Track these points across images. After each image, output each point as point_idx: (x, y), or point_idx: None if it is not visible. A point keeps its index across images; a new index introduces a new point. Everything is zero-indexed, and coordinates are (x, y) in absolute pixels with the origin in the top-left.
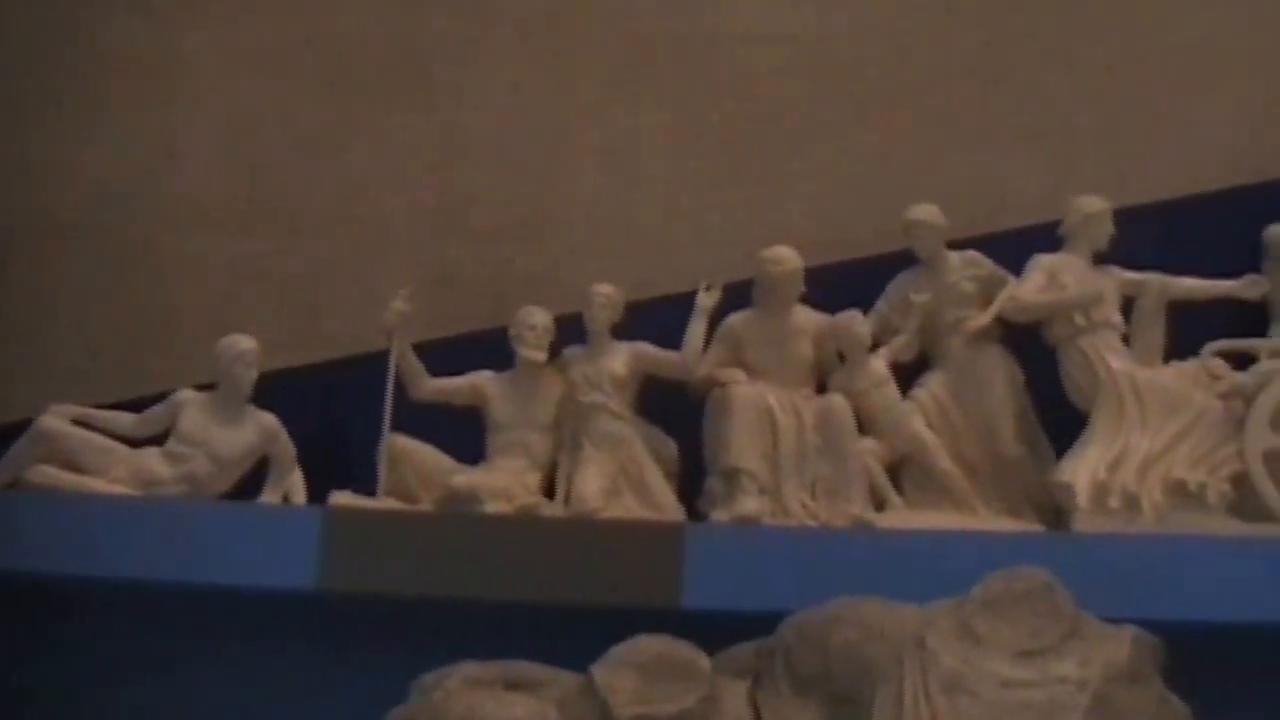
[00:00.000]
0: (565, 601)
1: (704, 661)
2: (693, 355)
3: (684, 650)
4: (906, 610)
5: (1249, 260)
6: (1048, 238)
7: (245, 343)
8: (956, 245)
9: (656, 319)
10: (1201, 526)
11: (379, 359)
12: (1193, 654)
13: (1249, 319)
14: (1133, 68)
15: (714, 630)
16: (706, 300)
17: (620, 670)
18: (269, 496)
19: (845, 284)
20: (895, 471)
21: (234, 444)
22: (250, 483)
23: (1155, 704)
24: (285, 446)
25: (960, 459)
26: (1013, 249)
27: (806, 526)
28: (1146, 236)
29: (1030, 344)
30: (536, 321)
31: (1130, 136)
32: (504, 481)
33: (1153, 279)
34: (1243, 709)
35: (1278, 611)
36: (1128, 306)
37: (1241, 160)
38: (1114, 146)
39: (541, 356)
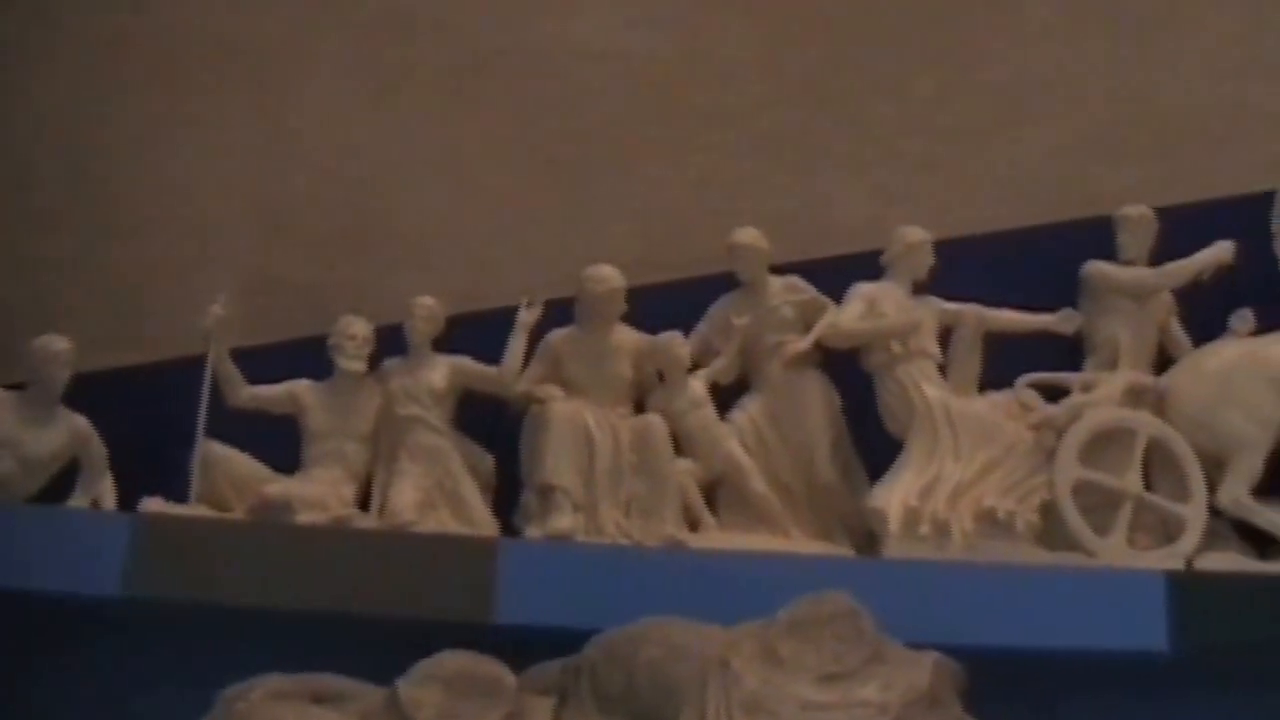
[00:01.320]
0: (378, 614)
1: (509, 678)
2: (511, 371)
3: (489, 666)
4: (712, 631)
5: (1067, 295)
6: (870, 265)
7: (59, 343)
8: (780, 270)
9: (478, 333)
10: (1009, 555)
11: (197, 363)
12: (998, 680)
13: (1065, 353)
14: (959, 101)
15: (526, 646)
16: (527, 316)
17: (425, 685)
18: (78, 500)
19: (669, 304)
20: (711, 492)
21: (43, 445)
22: (60, 486)
23: None
24: (96, 450)
25: (775, 482)
26: (836, 275)
27: (619, 545)
28: (968, 268)
29: (848, 370)
30: (356, 331)
31: (955, 169)
32: (318, 491)
33: (970, 310)
34: None
35: (1081, 639)
36: (946, 336)
37: (1063, 196)
38: (938, 178)
39: (360, 367)
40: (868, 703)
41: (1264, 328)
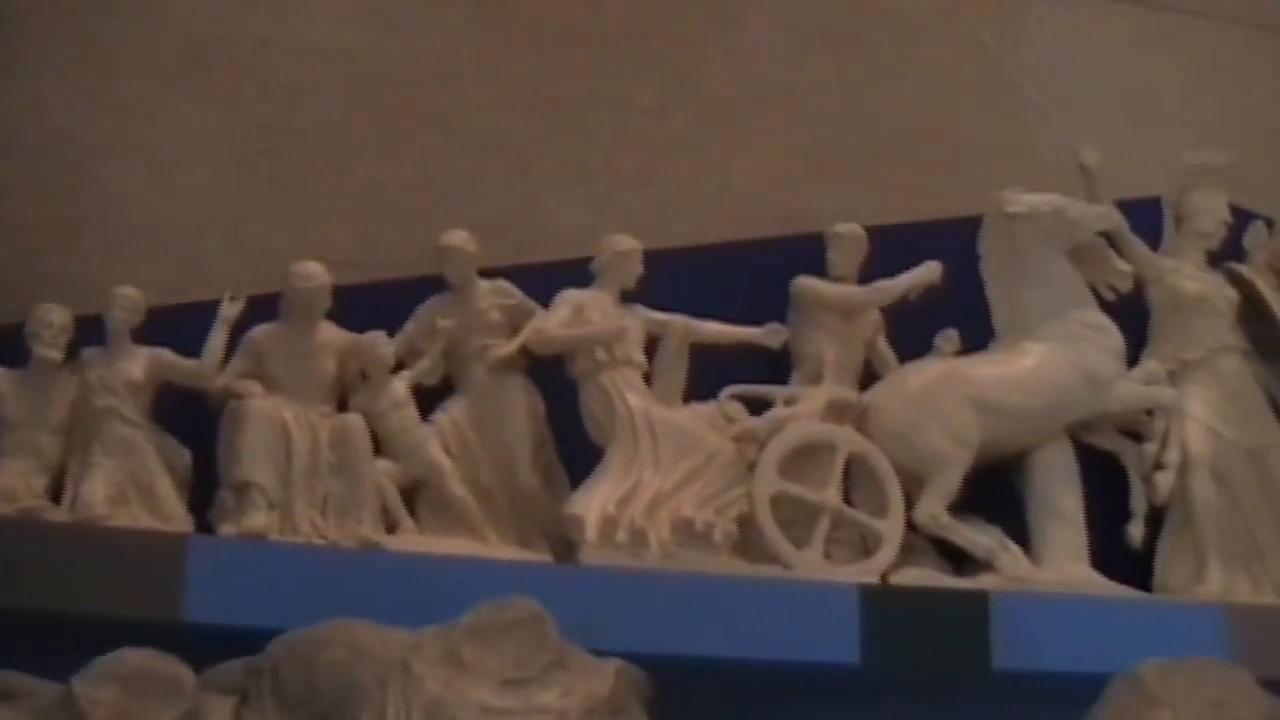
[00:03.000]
0: (65, 609)
1: (188, 677)
2: (211, 365)
3: (168, 665)
4: (396, 634)
5: (778, 309)
6: (584, 272)
7: None
8: (494, 274)
9: (184, 326)
10: (706, 565)
11: None
12: (691, 689)
13: (775, 366)
14: (678, 113)
15: (216, 644)
16: (229, 310)
17: (101, 683)
18: None
19: (381, 304)
20: (411, 494)
21: None
22: None
23: None
24: None
25: (476, 486)
26: (550, 281)
27: (314, 544)
28: (681, 279)
29: (554, 376)
30: (54, 320)
31: (671, 181)
32: (8, 482)
33: (677, 320)
34: None
35: (775, 650)
36: (655, 346)
37: (778, 212)
38: (655, 189)
39: (56, 356)
40: (547, 709)
41: (969, 348)
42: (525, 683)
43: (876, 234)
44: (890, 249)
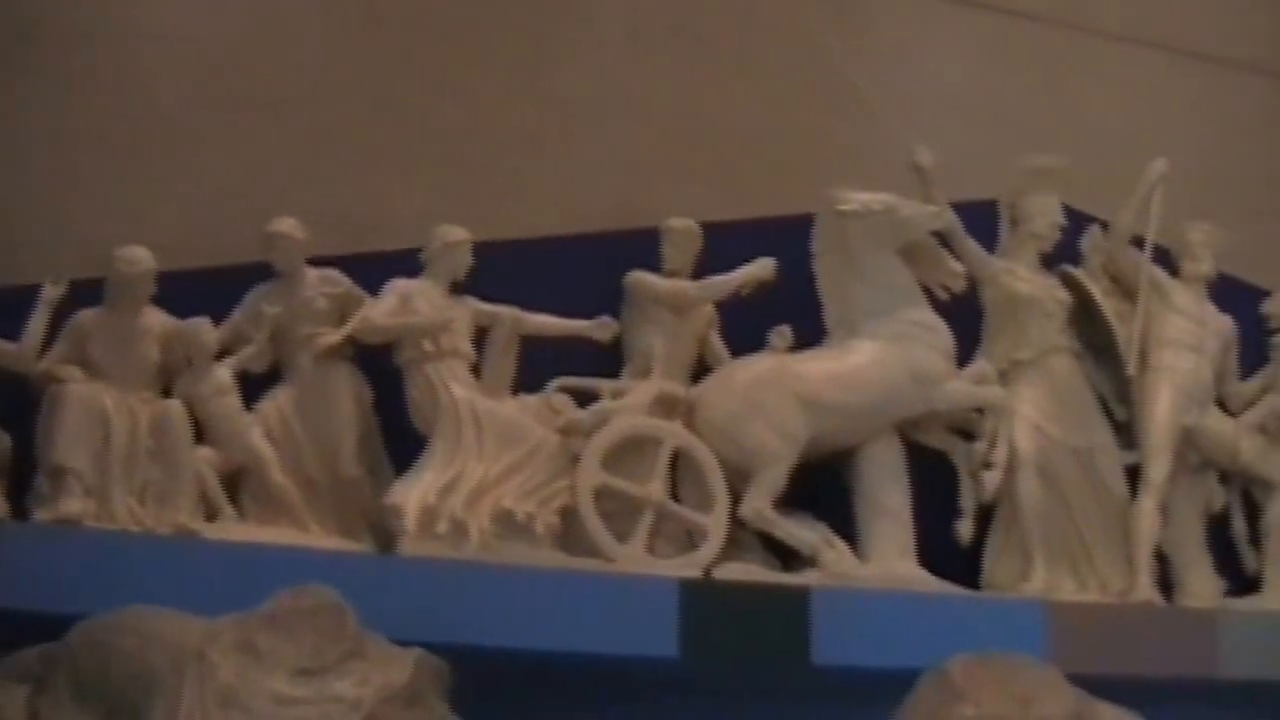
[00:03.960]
0: None
1: None
2: (31, 349)
3: None
4: (195, 622)
5: (613, 303)
6: (420, 262)
7: None
8: (327, 263)
9: (6, 309)
10: (526, 557)
11: None
12: (508, 682)
13: (608, 360)
14: (519, 106)
15: (27, 632)
16: (51, 293)
17: None
18: None
19: (211, 291)
20: (235, 483)
21: None
22: None
23: None
24: None
25: (299, 475)
26: (387, 270)
27: (129, 531)
28: (516, 271)
29: (382, 366)
30: None
31: (511, 172)
32: None
33: (506, 312)
34: None
35: (593, 643)
36: (485, 337)
37: (616, 206)
38: (493, 180)
39: None
40: (341, 698)
41: (804, 345)
42: (320, 672)
43: (712, 230)
44: (726, 245)
